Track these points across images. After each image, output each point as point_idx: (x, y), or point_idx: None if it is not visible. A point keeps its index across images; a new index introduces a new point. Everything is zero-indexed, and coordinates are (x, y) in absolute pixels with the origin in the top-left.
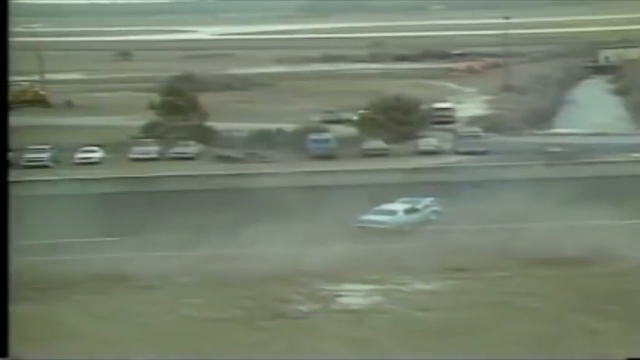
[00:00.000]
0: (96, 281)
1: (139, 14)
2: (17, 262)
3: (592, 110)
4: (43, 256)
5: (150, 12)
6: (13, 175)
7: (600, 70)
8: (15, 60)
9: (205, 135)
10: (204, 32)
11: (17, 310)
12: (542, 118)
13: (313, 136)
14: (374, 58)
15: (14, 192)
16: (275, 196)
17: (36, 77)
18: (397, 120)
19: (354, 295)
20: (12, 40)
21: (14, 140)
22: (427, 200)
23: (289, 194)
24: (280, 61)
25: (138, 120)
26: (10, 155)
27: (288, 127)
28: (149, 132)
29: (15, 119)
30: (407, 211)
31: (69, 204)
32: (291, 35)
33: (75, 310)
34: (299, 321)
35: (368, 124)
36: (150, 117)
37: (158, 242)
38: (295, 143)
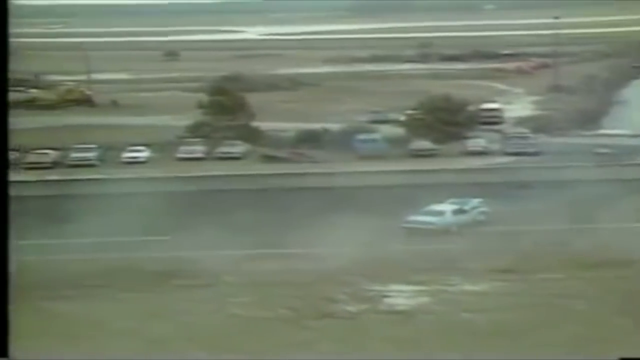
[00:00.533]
0: (143, 279)
1: (186, 13)
2: (63, 260)
3: None
4: (89, 254)
5: (197, 12)
6: (60, 173)
7: None
8: (62, 60)
9: (252, 135)
10: (252, 32)
11: (63, 308)
12: (591, 119)
13: (361, 136)
14: (422, 58)
15: (60, 190)
16: (322, 196)
17: (82, 77)
18: (445, 121)
19: (401, 296)
20: (59, 41)
21: (60, 140)
22: (475, 201)
23: (336, 194)
24: (327, 61)
25: (185, 120)
26: (58, 154)
27: (335, 127)
28: (196, 131)
29: (61, 119)
30: (455, 212)
31: (117, 203)
32: (339, 35)
33: (122, 309)
34: (345, 321)
35: (416, 124)
36: (197, 116)
37: (206, 240)
38: (343, 143)
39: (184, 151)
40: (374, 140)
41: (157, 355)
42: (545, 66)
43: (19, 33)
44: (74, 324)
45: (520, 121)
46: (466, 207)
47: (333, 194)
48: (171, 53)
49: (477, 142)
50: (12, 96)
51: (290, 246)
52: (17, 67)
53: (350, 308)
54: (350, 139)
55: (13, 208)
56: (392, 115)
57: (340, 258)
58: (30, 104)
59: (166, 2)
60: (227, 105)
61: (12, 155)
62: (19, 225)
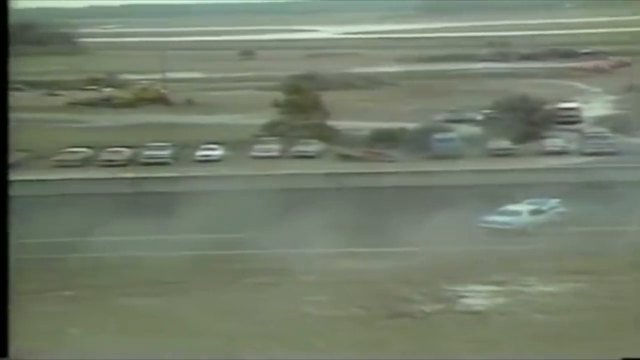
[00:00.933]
0: (221, 276)
1: (261, 13)
2: (140, 256)
3: None
4: (166, 251)
5: (272, 12)
6: (133, 171)
7: None
8: (137, 59)
9: (327, 134)
10: (327, 32)
11: (141, 305)
12: None
13: (438, 135)
14: (499, 57)
15: (135, 189)
16: (398, 196)
17: (158, 76)
18: (523, 120)
19: (476, 297)
20: (135, 40)
21: (135, 138)
22: (553, 202)
23: (412, 194)
24: (403, 60)
25: (259, 119)
26: (132, 152)
27: (411, 126)
28: (271, 130)
29: (136, 117)
30: (532, 212)
31: (192, 201)
32: (414, 34)
33: (197, 306)
34: (419, 321)
35: (493, 124)
36: (271, 115)
37: (282, 238)
38: (419, 142)
39: (258, 149)
40: (451, 140)
41: (222, 354)
42: (624, 65)
43: (93, 33)
44: (150, 320)
45: (599, 120)
46: (543, 208)
47: (409, 194)
48: (246, 52)
49: (554, 141)
50: (87, 95)
51: (366, 245)
52: (91, 67)
53: (425, 308)
54: (426, 138)
55: (89, 204)
56: (469, 115)
57: (416, 257)
58: (105, 103)
59: (242, 1)
60: (302, 104)
61: (86, 153)
62: (94, 223)
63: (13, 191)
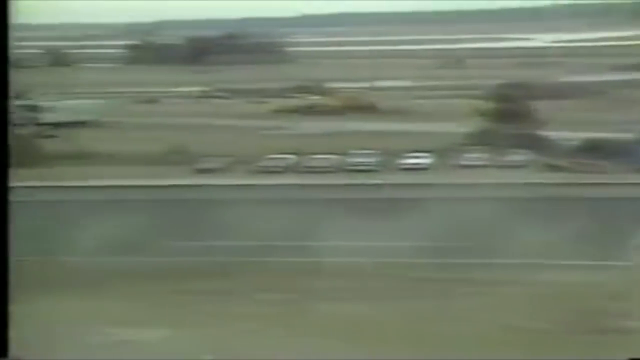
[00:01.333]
0: (424, 285)
1: (471, 21)
2: (345, 263)
3: None
4: (374, 258)
5: (482, 20)
6: (339, 178)
7: None
8: (346, 67)
9: (536, 143)
10: (539, 40)
11: (344, 310)
12: None
13: None
14: None
15: (343, 195)
16: (608, 208)
17: (366, 84)
18: None
19: None
20: (344, 49)
21: (340, 145)
22: None
23: (622, 206)
24: (615, 69)
25: (467, 127)
26: (337, 159)
27: (623, 136)
28: (479, 139)
29: (342, 124)
30: None
31: (400, 209)
32: (627, 41)
33: (399, 313)
34: (621, 337)
35: None
36: (479, 124)
37: (489, 248)
38: (631, 153)
39: (467, 158)
40: None
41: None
42: None
43: (301, 42)
44: (352, 326)
45: None
46: None
47: (620, 206)
48: (456, 60)
49: None
50: (293, 102)
51: (573, 257)
52: (298, 75)
53: (629, 324)
54: (638, 148)
55: (293, 209)
56: None
57: (624, 271)
58: (310, 110)
59: (451, 9)
60: (512, 113)
61: (290, 160)
62: (299, 229)
63: (216, 195)
